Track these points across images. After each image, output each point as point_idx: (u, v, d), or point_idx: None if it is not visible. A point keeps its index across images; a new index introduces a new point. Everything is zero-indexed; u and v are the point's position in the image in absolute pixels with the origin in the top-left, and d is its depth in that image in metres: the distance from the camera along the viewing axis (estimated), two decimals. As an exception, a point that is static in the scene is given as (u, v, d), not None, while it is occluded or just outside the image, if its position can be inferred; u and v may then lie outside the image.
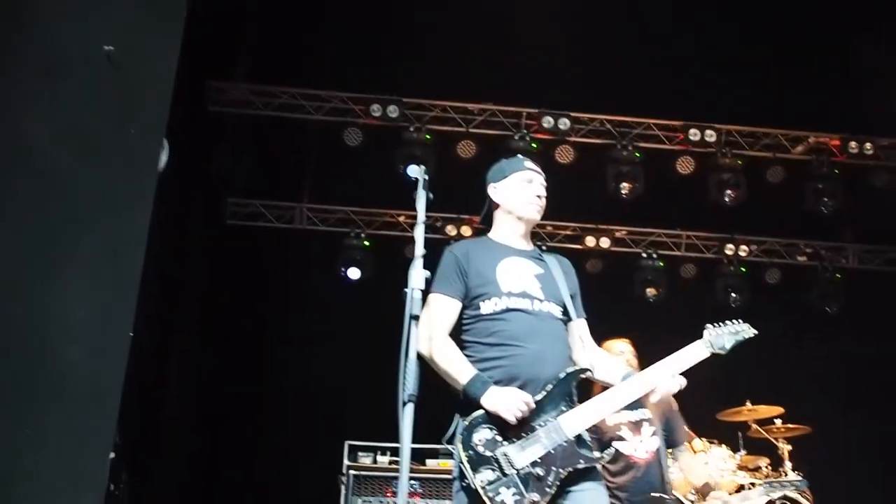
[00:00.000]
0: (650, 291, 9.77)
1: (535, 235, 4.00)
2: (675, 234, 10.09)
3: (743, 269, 9.98)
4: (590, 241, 9.85)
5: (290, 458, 8.42)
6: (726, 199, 9.32)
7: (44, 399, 2.48)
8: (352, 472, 7.15)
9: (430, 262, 3.34)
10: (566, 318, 3.67)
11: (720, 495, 5.63)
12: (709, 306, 9.41)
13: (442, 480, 6.98)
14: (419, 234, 3.29)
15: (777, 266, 10.12)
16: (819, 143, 9.63)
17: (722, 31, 8.58)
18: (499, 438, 3.29)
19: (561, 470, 3.27)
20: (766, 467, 7.12)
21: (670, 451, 5.47)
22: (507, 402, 3.28)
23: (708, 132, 9.36)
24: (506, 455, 3.27)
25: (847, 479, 7.78)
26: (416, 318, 3.02)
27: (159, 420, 7.97)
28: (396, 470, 2.82)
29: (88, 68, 2.72)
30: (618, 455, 5.01)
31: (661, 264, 9.88)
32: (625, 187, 9.16)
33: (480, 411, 3.32)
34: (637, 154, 9.30)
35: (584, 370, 3.52)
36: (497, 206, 3.86)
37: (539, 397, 3.35)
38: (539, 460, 3.27)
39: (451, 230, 9.45)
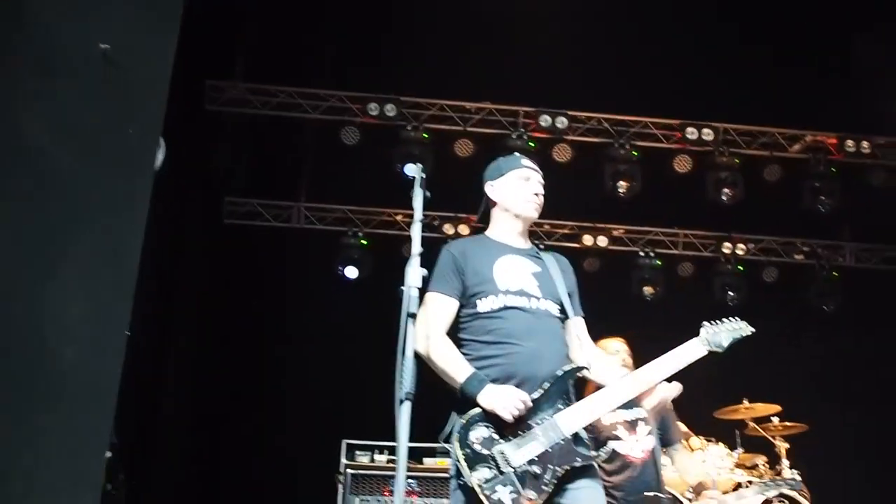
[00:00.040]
0: (647, 290, 9.77)
1: (533, 234, 4.02)
2: (673, 233, 10.10)
3: (740, 268, 9.98)
4: (587, 239, 9.85)
5: (288, 457, 8.41)
6: (723, 198, 9.31)
7: (40, 398, 2.48)
8: (349, 470, 7.15)
9: (428, 261, 3.34)
10: (563, 316, 3.67)
11: (714, 494, 5.64)
12: (706, 305, 9.40)
13: (439, 479, 6.98)
14: (416, 232, 3.28)
15: (774, 264, 10.12)
16: (816, 142, 9.63)
17: (720, 31, 8.57)
18: (495, 436, 3.30)
19: (557, 468, 3.27)
20: (764, 465, 7.13)
21: (665, 449, 5.49)
22: (504, 400, 3.29)
23: (705, 131, 9.35)
24: (502, 453, 3.27)
25: (844, 476, 7.80)
26: (413, 316, 3.02)
27: (156, 419, 7.96)
28: (394, 469, 2.82)
29: (85, 68, 2.72)
30: (614, 454, 5.02)
31: (659, 263, 9.88)
32: (622, 186, 9.16)
33: (477, 409, 3.33)
34: (634, 153, 9.30)
35: (580, 368, 3.52)
36: (494, 204, 3.87)
37: (536, 395, 3.36)
38: (536, 458, 3.27)
39: (448, 229, 9.45)
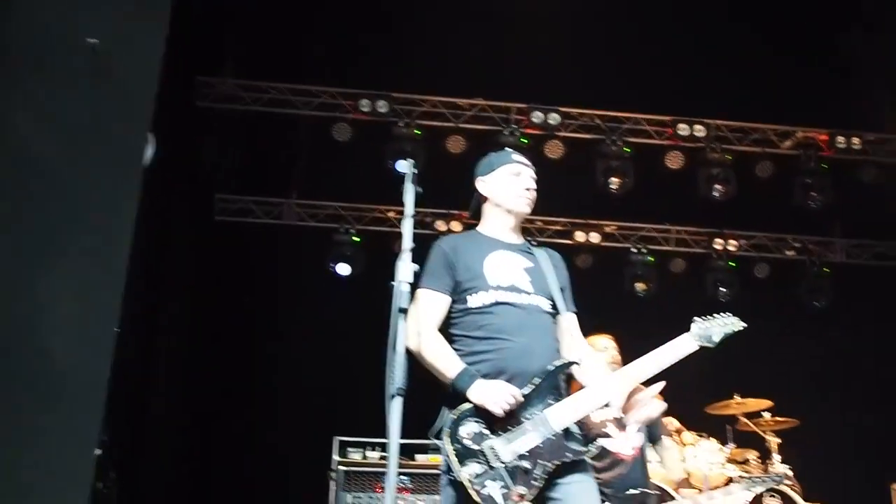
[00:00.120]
0: (639, 286, 9.79)
1: (525, 231, 3.99)
2: (665, 229, 10.11)
3: (732, 264, 10.00)
4: (579, 236, 9.86)
5: (280, 454, 8.40)
6: (715, 194, 9.33)
7: (29, 396, 2.47)
8: (341, 467, 7.14)
9: (420, 258, 3.33)
10: (555, 311, 3.66)
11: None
12: (698, 301, 9.42)
13: (431, 475, 6.98)
14: (407, 227, 3.28)
15: (766, 261, 10.15)
16: (807, 138, 9.65)
17: (712, 27, 8.58)
18: (486, 432, 3.29)
19: (548, 463, 3.27)
20: (755, 460, 7.15)
21: (652, 445, 5.52)
22: (494, 394, 3.28)
23: (697, 127, 9.37)
24: (493, 448, 3.26)
25: (835, 470, 7.81)
26: (404, 311, 3.02)
27: (147, 417, 7.94)
28: (386, 465, 2.82)
29: (74, 62, 2.71)
30: (604, 452, 5.03)
31: (651, 259, 9.90)
32: (614, 182, 9.17)
33: (468, 404, 3.32)
34: (626, 149, 9.30)
35: (571, 363, 3.52)
36: (486, 199, 3.85)
37: (526, 390, 3.35)
38: (526, 454, 3.27)
39: (440, 225, 9.44)
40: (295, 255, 9.47)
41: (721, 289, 9.79)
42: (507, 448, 3.27)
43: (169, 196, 8.12)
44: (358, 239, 9.46)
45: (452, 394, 3.38)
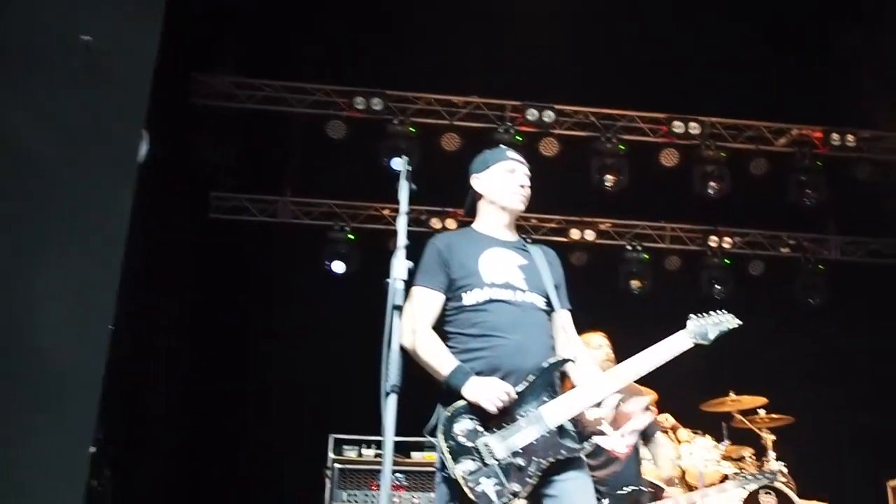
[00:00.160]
0: (635, 284, 9.79)
1: (520, 228, 3.99)
2: (660, 227, 10.12)
3: (727, 261, 10.01)
4: (574, 233, 9.87)
5: (275, 452, 8.38)
6: (710, 192, 9.34)
7: (24, 393, 2.46)
8: (337, 465, 7.14)
9: (415, 256, 3.33)
10: (550, 308, 3.66)
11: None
12: (693, 298, 9.43)
13: (427, 473, 6.97)
14: (402, 224, 3.27)
15: (760, 258, 10.17)
16: (802, 136, 9.66)
17: (707, 25, 8.59)
18: (480, 429, 3.29)
19: (542, 460, 3.26)
20: (751, 457, 7.16)
21: (645, 443, 5.54)
22: (488, 391, 3.28)
23: (692, 125, 9.37)
24: (486, 445, 3.26)
25: (830, 467, 7.83)
26: (399, 308, 3.02)
27: (143, 415, 7.91)
28: (381, 463, 2.81)
29: (68, 59, 2.70)
30: (598, 450, 5.05)
31: (646, 256, 9.91)
32: (609, 180, 9.18)
33: (462, 402, 3.32)
34: (621, 146, 9.31)
35: (566, 360, 3.51)
36: (480, 196, 3.85)
37: (521, 388, 3.35)
38: (520, 451, 3.27)
39: (436, 223, 9.43)
40: (289, 253, 9.46)
41: (716, 286, 9.81)
42: (502, 445, 3.27)
43: (163, 194, 8.09)
44: (353, 237, 9.45)
45: (447, 391, 3.37)
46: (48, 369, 2.49)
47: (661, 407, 6.99)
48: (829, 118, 9.54)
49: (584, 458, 3.47)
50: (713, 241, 10.06)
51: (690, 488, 6.34)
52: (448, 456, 3.24)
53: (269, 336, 8.93)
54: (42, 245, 2.57)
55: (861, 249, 10.41)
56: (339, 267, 9.29)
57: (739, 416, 7.37)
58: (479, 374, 3.36)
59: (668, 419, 7.00)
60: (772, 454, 7.07)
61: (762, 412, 7.29)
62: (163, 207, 8.12)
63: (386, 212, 9.54)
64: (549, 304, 3.66)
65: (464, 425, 3.29)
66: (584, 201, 9.74)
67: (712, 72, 8.66)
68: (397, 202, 3.35)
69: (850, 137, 9.53)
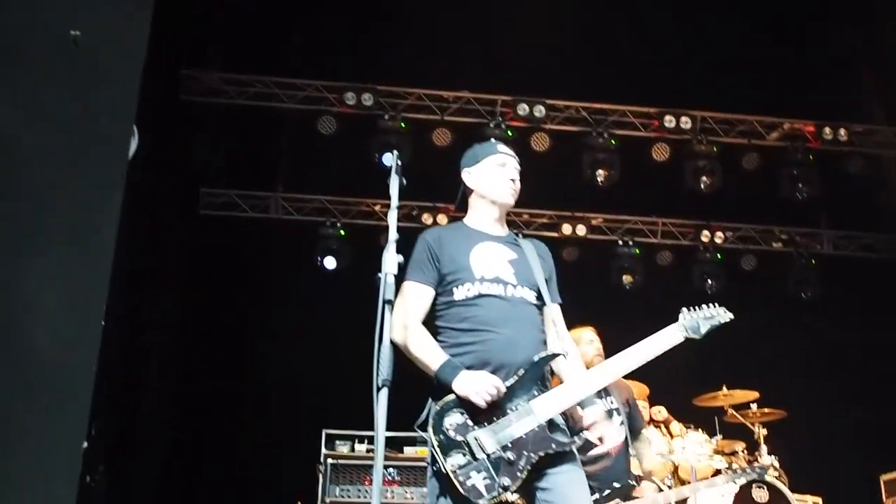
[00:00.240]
0: (626, 279, 9.80)
1: (511, 223, 3.99)
2: (652, 222, 10.13)
3: (719, 256, 10.03)
4: (566, 228, 9.86)
5: (270, 448, 8.38)
6: (702, 186, 9.36)
7: (15, 389, 2.45)
8: (329, 460, 7.14)
9: (406, 252, 3.32)
10: (540, 303, 3.65)
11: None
12: (685, 293, 9.41)
13: (420, 468, 6.99)
14: (392, 218, 3.27)
15: (753, 252, 10.18)
16: (794, 130, 9.69)
17: (698, 19, 8.59)
18: (470, 423, 3.28)
19: (532, 454, 3.26)
20: (743, 451, 7.17)
21: (633, 437, 5.56)
22: (477, 385, 3.27)
23: (683, 119, 9.38)
24: (476, 439, 3.26)
25: (823, 461, 7.85)
26: (390, 302, 3.01)
27: (138, 412, 7.91)
28: (374, 458, 2.81)
29: (56, 54, 2.68)
30: (588, 444, 5.05)
31: (638, 251, 9.91)
32: (600, 174, 9.19)
33: (452, 396, 3.31)
34: (612, 141, 9.32)
35: (556, 355, 3.50)
36: (471, 191, 3.84)
37: (511, 382, 3.34)
38: (510, 445, 3.26)
39: (426, 219, 9.42)
40: (281, 249, 9.46)
41: (708, 281, 9.83)
42: (492, 439, 3.26)
43: (154, 190, 8.07)
44: (344, 233, 9.44)
45: (438, 386, 3.37)
46: (40, 364, 2.47)
47: (654, 401, 7.02)
48: (821, 112, 9.56)
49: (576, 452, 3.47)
50: (705, 235, 10.08)
51: (682, 483, 6.36)
52: (438, 450, 3.24)
53: (261, 332, 8.92)
54: (31, 242, 2.55)
55: (853, 244, 10.44)
56: (330, 263, 9.29)
57: (732, 411, 7.38)
58: (469, 368, 3.35)
59: (661, 412, 7.02)
60: (764, 448, 7.08)
61: (754, 406, 7.30)
62: (153, 204, 8.10)
63: (377, 207, 9.53)
64: (539, 298, 3.65)
65: (454, 419, 3.28)
66: (576, 196, 9.74)
67: (704, 66, 8.68)
68: (388, 198, 3.35)
69: (842, 131, 9.55)
